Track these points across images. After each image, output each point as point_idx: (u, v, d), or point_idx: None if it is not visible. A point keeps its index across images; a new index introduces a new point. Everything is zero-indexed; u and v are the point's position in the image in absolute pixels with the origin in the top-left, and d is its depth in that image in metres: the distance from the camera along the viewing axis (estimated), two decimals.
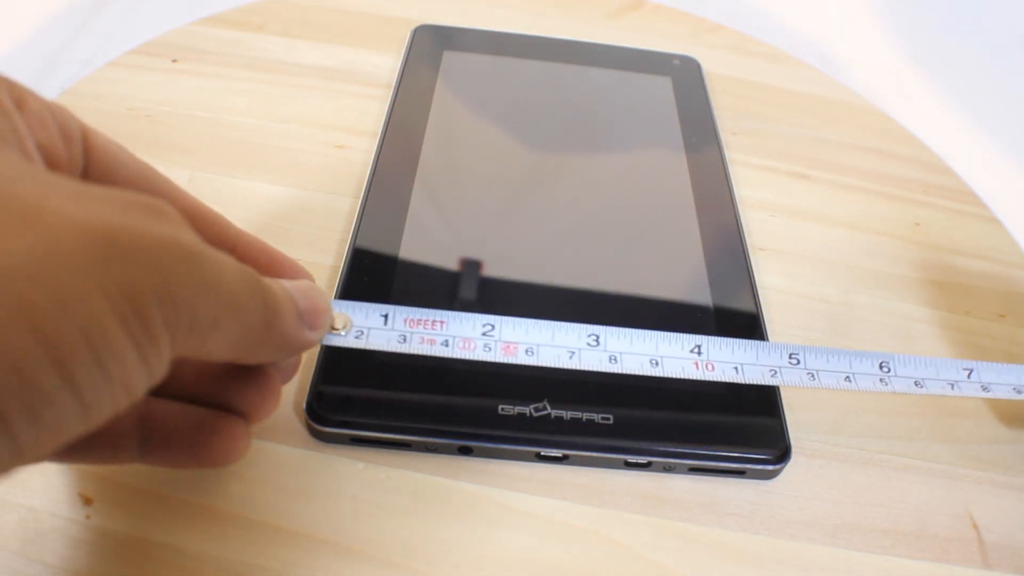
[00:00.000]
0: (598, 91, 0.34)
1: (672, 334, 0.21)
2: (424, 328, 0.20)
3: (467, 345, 0.20)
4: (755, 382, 0.21)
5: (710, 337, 0.21)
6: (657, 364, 0.20)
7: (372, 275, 0.24)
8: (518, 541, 0.20)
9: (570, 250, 0.27)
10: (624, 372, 0.20)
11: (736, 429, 0.22)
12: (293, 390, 0.22)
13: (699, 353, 0.21)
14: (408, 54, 0.34)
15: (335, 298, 0.24)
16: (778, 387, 0.23)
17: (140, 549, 0.19)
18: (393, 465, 0.21)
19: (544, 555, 0.20)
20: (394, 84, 0.33)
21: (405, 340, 0.20)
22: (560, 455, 0.21)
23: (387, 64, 0.36)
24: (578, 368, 0.20)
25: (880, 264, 0.30)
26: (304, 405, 0.21)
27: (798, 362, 0.21)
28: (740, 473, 0.22)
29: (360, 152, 0.31)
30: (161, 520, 0.19)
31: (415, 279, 0.25)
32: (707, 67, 0.38)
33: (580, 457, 0.22)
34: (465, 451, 0.21)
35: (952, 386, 0.21)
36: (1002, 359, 0.27)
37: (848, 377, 0.21)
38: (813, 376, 0.21)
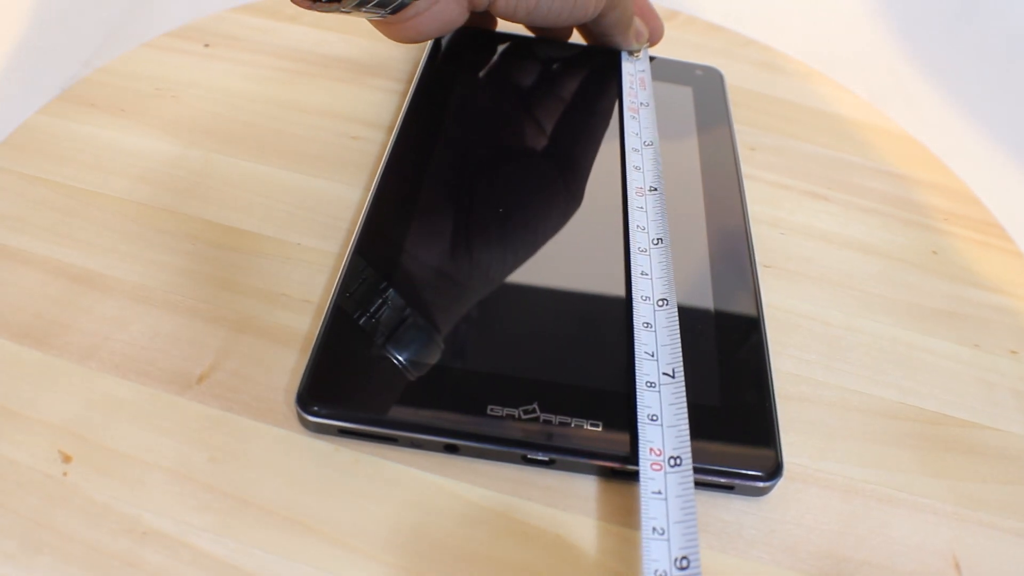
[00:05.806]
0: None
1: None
2: None
3: None
4: None
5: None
6: None
7: (375, 266, 0.25)
8: (476, 537, 0.20)
9: (577, 250, 0.26)
10: None
11: (727, 443, 0.22)
12: (287, 378, 0.23)
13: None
14: (430, 54, 0.34)
15: (338, 281, 0.24)
16: (773, 404, 0.23)
17: (109, 508, 0.20)
18: (365, 452, 0.22)
19: (502, 554, 0.20)
20: (414, 81, 0.33)
21: None
22: (547, 459, 0.21)
23: (413, 59, 0.36)
24: None
25: (889, 290, 0.29)
26: (295, 395, 0.21)
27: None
28: (729, 488, 0.22)
29: (375, 144, 0.31)
30: (132, 482, 0.20)
31: (418, 272, 0.25)
32: (735, 81, 0.37)
33: (567, 463, 0.21)
34: (451, 449, 0.21)
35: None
36: (1010, 397, 0.26)
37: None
38: None
